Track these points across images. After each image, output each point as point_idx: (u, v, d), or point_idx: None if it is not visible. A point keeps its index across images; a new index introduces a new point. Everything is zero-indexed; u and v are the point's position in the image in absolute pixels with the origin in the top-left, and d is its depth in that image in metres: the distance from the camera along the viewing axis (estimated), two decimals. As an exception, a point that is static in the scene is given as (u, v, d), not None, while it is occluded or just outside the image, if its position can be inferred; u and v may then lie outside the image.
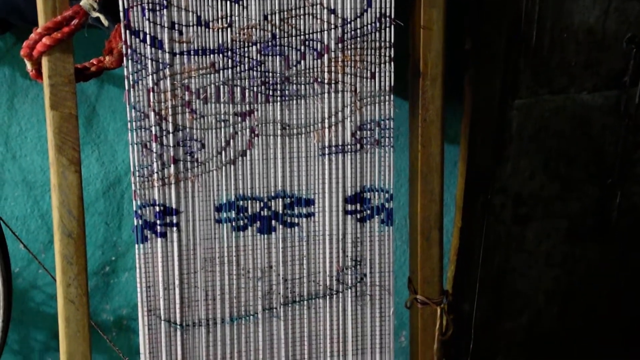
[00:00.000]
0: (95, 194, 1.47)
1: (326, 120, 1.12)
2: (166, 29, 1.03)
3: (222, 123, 1.09)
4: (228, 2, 1.05)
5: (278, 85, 1.09)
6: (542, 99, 1.24)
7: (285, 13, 1.07)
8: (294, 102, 1.11)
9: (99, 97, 1.41)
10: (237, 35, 1.06)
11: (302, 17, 1.08)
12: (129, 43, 1.03)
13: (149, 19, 1.03)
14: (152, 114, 1.06)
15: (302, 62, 1.09)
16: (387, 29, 1.10)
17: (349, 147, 1.14)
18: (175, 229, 1.10)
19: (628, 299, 1.40)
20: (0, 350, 1.24)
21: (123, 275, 1.54)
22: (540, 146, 1.26)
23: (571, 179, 1.29)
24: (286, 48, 1.08)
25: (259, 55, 1.08)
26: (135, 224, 1.08)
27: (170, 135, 1.07)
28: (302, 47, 1.09)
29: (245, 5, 1.05)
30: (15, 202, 1.44)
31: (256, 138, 1.11)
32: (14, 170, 1.42)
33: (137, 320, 1.57)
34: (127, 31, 1.02)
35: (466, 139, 1.26)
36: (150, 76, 1.04)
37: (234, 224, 1.12)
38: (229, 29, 1.06)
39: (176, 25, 1.04)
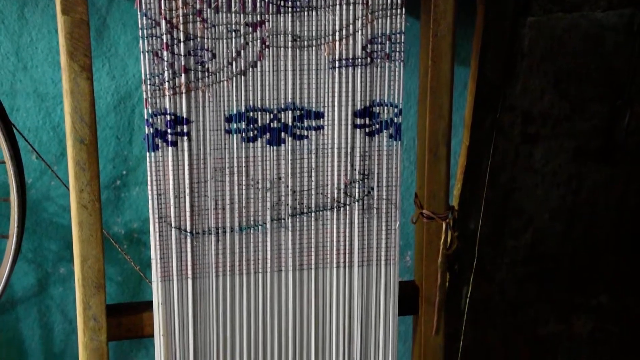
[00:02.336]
0: (106, 108, 1.48)
1: (337, 33, 1.12)
2: None
3: (233, 33, 1.09)
4: None
5: (289, -4, 1.09)
6: (554, 17, 1.23)
7: None
8: (305, 13, 1.11)
9: (109, 9, 1.41)
10: (249, -57, 1.05)
11: None
12: (140, -51, 1.02)
13: None
14: (163, 22, 1.06)
15: (314, -28, 1.08)
16: (401, -60, 1.09)
17: (359, 60, 1.14)
18: (185, 138, 1.11)
19: (632, 219, 1.42)
20: (15, 258, 1.28)
21: (134, 189, 1.57)
22: (551, 64, 1.25)
23: (581, 99, 1.29)
24: (298, -43, 1.07)
25: (270, -36, 1.07)
26: (147, 132, 1.10)
27: (181, 44, 1.08)
28: (314, -43, 1.08)
29: None
30: (27, 114, 1.45)
31: (267, 49, 1.11)
32: (25, 81, 1.43)
33: (147, 234, 1.60)
34: (138, -64, 1.02)
35: (477, 56, 1.26)
36: (161, -17, 1.04)
37: (243, 135, 1.13)
38: (240, -63, 1.05)
39: None
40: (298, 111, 1.14)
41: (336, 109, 1.15)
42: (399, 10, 1.12)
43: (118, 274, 1.62)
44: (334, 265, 1.20)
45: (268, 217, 1.17)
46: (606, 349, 1.52)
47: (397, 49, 1.14)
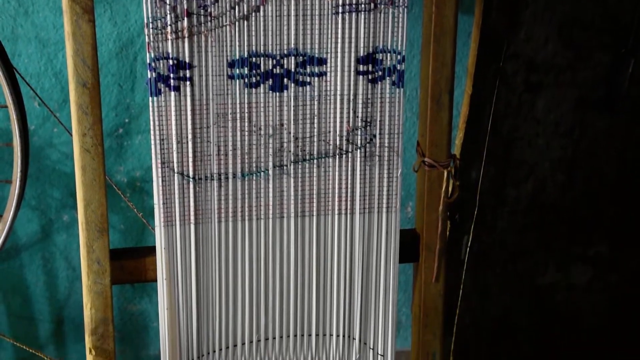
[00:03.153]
0: (108, 55, 1.48)
1: (340, -22, 1.11)
2: None
3: (236, -23, 1.08)
4: None
5: (293, -61, 1.08)
6: (560, -36, 1.22)
7: None
8: (309, -43, 1.10)
9: (110, -46, 1.40)
10: None
11: None
12: None
13: None
14: (165, -35, 1.05)
15: None
16: None
17: (362, 6, 1.13)
18: (188, 83, 1.11)
19: (633, 169, 1.42)
20: (19, 203, 1.28)
21: (136, 138, 1.57)
22: (555, 12, 1.24)
23: (585, 47, 1.29)
24: None
25: None
26: (149, 76, 1.09)
27: (184, -13, 1.07)
28: None
29: None
30: (29, 60, 1.45)
31: (269, -6, 1.10)
32: (26, 26, 1.42)
33: (150, 183, 1.60)
34: None
35: (481, 3, 1.25)
36: None
37: (246, 81, 1.13)
38: None
39: None
40: (301, 57, 1.14)
41: (339, 55, 1.15)
42: (403, -45, 1.11)
43: (121, 222, 1.64)
44: (336, 212, 1.21)
45: (270, 164, 1.17)
46: (604, 298, 1.54)
47: (401, -5, 1.13)
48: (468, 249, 1.42)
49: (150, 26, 1.07)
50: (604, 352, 1.63)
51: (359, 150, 1.19)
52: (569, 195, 1.43)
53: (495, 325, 1.55)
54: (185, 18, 1.08)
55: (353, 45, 1.15)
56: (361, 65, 1.16)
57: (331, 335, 1.25)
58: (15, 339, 1.67)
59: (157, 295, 1.72)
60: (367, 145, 1.20)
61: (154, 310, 1.73)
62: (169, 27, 1.08)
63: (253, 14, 1.10)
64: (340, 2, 1.12)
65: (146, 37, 1.07)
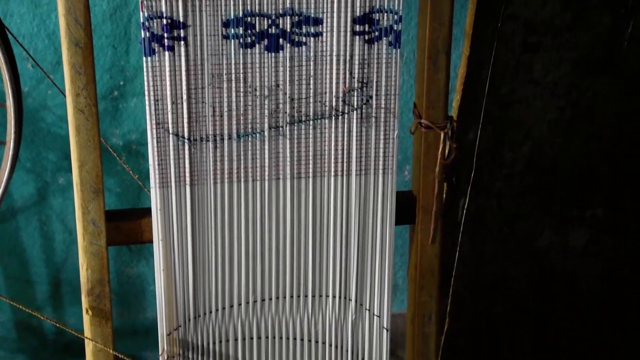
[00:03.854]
0: (102, 16, 1.46)
1: None
2: None
3: None
4: None
5: None
6: None
7: None
8: None
9: None
10: None
11: None
12: None
13: None
14: None
15: None
16: None
17: (359, -36, 1.12)
18: (182, 43, 1.10)
19: (631, 131, 1.42)
20: (14, 164, 1.28)
21: (132, 100, 1.56)
22: (554, -29, 1.23)
23: (584, 7, 1.27)
24: None
25: None
26: (143, 36, 1.08)
27: (177, -56, 1.05)
28: None
29: None
30: (21, 20, 1.43)
31: (264, -48, 1.08)
32: (19, -14, 1.40)
33: (146, 146, 1.60)
34: None
35: (479, -37, 1.23)
36: None
37: (241, 41, 1.12)
38: None
39: None
40: (296, 17, 1.12)
41: (335, 14, 1.13)
42: None
43: (117, 186, 1.63)
44: (332, 173, 1.21)
45: (266, 125, 1.16)
46: (600, 261, 1.54)
47: (398, -47, 1.12)
48: (465, 211, 1.41)
49: (144, -16, 1.06)
50: (600, 316, 1.63)
51: (355, 111, 1.19)
52: (566, 158, 1.42)
53: (491, 287, 1.56)
54: (179, -24, 1.06)
55: (349, 4, 1.13)
56: (357, 26, 1.14)
57: (327, 296, 1.26)
58: (12, 300, 1.68)
59: (154, 258, 1.72)
60: (364, 106, 1.19)
61: (151, 273, 1.74)
62: (162, -14, 1.06)
63: (248, -28, 1.09)
64: (337, -39, 1.11)
65: (139, -5, 1.06)
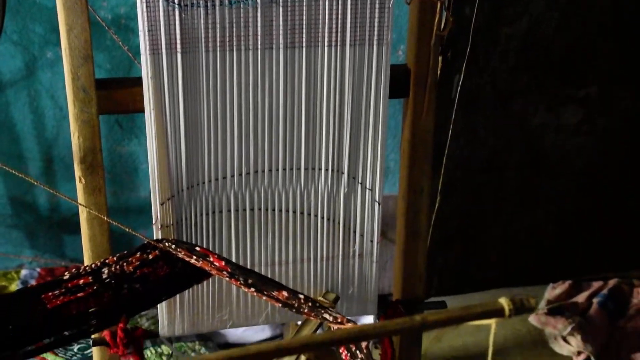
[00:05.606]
0: None
1: None
2: None
3: None
4: None
5: None
6: None
7: None
8: None
9: None
10: None
11: None
12: None
13: None
14: None
15: None
16: None
17: None
18: None
19: (631, 9, 1.39)
20: None
21: (120, -30, 1.51)
22: None
23: None
24: None
25: None
26: None
27: None
28: None
29: None
30: None
31: None
32: None
33: (135, 20, 1.56)
34: None
35: None
36: None
37: None
38: None
39: None
40: None
41: None
42: None
43: (107, 61, 1.61)
44: (326, 44, 1.19)
45: (259, -9, 1.13)
46: (591, 140, 1.55)
47: None
48: (459, 88, 1.41)
49: None
50: (589, 193, 1.65)
51: (350, -21, 1.15)
52: (563, 35, 1.41)
53: (482, 167, 1.57)
54: None
55: None
56: None
57: (320, 169, 1.26)
58: (4, 177, 1.68)
59: (145, 137, 1.71)
60: (359, -27, 1.15)
61: (143, 152, 1.74)
62: None
63: None
64: None
65: None
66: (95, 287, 1.11)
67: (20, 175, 1.02)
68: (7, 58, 1.55)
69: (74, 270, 1.13)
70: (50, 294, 1.08)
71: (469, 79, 1.42)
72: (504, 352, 1.73)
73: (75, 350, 1.62)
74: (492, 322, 0.74)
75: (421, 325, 0.72)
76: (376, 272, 1.32)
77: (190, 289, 1.24)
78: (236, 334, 1.76)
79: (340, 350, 1.12)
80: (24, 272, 1.73)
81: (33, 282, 1.72)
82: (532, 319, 1.71)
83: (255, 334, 1.76)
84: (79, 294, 1.09)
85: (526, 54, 1.42)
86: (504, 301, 0.73)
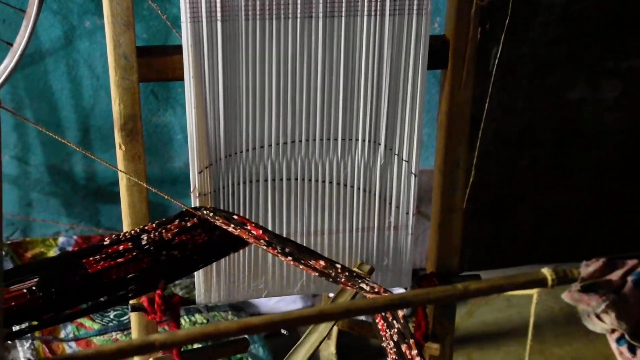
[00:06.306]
0: None
1: None
2: None
3: None
4: None
5: None
6: None
7: None
8: None
9: None
10: None
11: None
12: None
13: None
14: None
15: None
16: None
17: None
18: None
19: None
20: (41, 2, 1.26)
21: (157, -59, 1.51)
22: None
23: None
24: None
25: None
26: None
27: None
28: None
29: None
30: None
31: None
32: None
33: (172, -10, 1.56)
34: None
35: None
36: None
37: None
38: None
39: None
40: None
41: None
42: None
43: (144, 31, 1.61)
44: (365, 13, 1.18)
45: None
46: (631, 115, 1.52)
47: None
48: (497, 60, 1.39)
49: None
50: (625, 170, 1.63)
51: (391, -53, 1.14)
52: (605, 6, 1.39)
53: (518, 141, 1.56)
54: None
55: None
56: None
57: (357, 140, 1.26)
58: (43, 145, 1.70)
59: (181, 108, 1.72)
60: (400, -58, 1.14)
61: (179, 123, 1.75)
62: None
63: None
64: None
65: None
66: (134, 253, 1.12)
67: (62, 141, 1.03)
68: (46, 27, 1.56)
69: (113, 236, 1.14)
70: (91, 258, 1.10)
71: (506, 50, 1.40)
72: (536, 329, 1.72)
73: (111, 316, 1.65)
74: (534, 292, 0.74)
75: (463, 293, 0.72)
76: (411, 245, 1.33)
77: (227, 257, 1.25)
78: (268, 304, 1.77)
79: (377, 320, 1.13)
80: (61, 239, 1.76)
81: (70, 250, 1.74)
82: (565, 296, 1.69)
83: (287, 305, 1.77)
84: (119, 260, 1.11)
85: (567, 25, 1.40)
86: (546, 271, 0.73)
